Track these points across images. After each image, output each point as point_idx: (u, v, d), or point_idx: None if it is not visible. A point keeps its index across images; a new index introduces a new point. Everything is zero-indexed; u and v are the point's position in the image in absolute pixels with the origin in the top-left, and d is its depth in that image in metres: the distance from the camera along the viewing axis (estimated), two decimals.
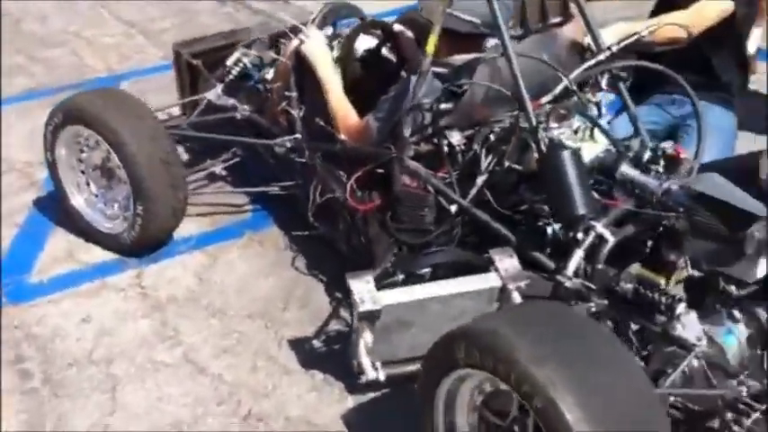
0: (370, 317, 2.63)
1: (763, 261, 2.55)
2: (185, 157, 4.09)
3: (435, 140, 3.00)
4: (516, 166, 2.83)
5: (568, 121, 2.85)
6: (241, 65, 3.84)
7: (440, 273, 2.84)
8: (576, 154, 2.68)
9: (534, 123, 2.75)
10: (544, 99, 2.88)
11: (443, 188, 2.91)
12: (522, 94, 2.76)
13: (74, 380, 2.95)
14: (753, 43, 4.42)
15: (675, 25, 3.19)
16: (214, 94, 3.86)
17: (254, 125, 3.79)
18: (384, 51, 3.63)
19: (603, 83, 3.08)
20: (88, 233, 3.67)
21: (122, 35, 6.17)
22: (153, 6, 6.71)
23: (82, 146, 3.57)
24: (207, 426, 2.76)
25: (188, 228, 3.76)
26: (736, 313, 2.61)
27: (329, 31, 3.63)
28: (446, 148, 2.99)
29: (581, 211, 2.63)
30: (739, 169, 2.93)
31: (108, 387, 2.91)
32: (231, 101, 3.85)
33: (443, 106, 2.93)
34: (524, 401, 2.04)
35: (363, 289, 2.66)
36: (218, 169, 3.97)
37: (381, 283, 2.72)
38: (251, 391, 2.89)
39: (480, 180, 2.91)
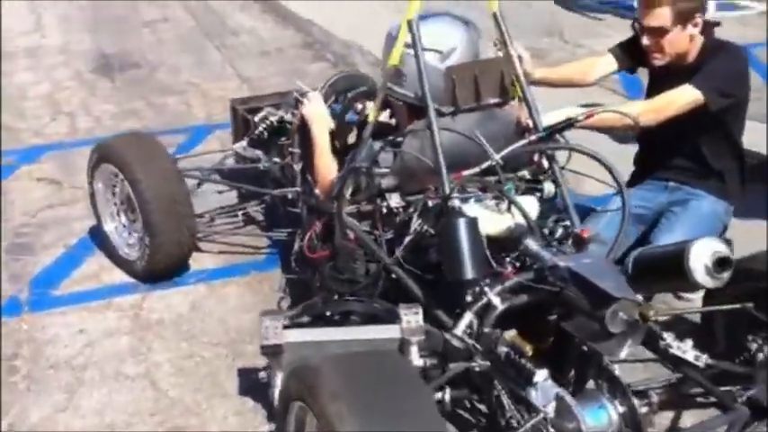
0: (273, 352, 2.93)
1: (629, 341, 2.67)
2: (226, 199, 4.51)
3: (378, 201, 3.28)
4: (431, 230, 3.06)
5: (481, 193, 3.08)
6: (267, 122, 4.26)
7: (354, 320, 3.11)
8: (473, 223, 2.88)
9: (446, 192, 2.98)
10: (466, 172, 3.10)
11: (370, 245, 3.19)
12: (440, 164, 3.01)
13: (48, 380, 3.41)
14: None
15: (619, 113, 3.33)
16: (240, 146, 4.31)
17: (274, 177, 4.19)
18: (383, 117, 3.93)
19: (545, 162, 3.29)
20: (113, 257, 4.17)
21: (234, 89, 6.76)
22: (273, 66, 7.33)
23: (114, 181, 4.07)
24: None
25: (205, 262, 4.22)
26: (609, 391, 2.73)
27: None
28: (384, 209, 3.27)
29: (469, 275, 2.83)
30: (666, 258, 3.06)
31: (71, 389, 3.34)
32: (257, 152, 4.28)
33: (377, 170, 3.23)
34: None
35: (271, 326, 2.97)
36: (240, 214, 4.37)
37: (291, 323, 3.03)
38: (185, 408, 3.23)
39: (407, 240, 3.15)
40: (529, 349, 2.68)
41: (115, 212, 4.16)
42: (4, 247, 4.43)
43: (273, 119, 4.25)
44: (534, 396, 2.60)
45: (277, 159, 4.10)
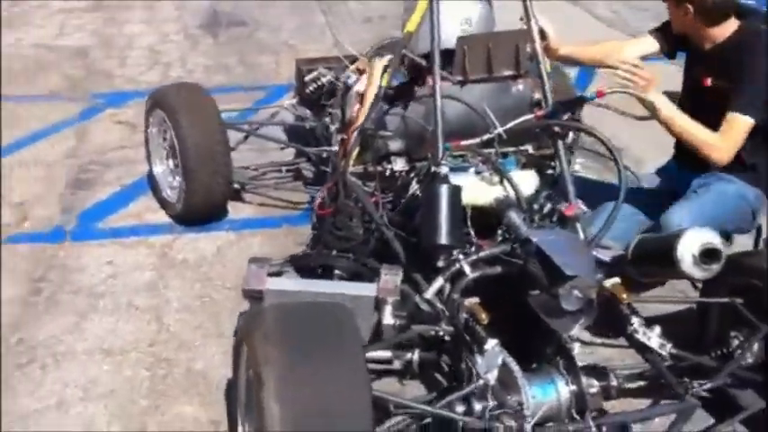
0: (254, 297, 3.04)
1: (583, 320, 2.66)
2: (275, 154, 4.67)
3: (384, 164, 3.35)
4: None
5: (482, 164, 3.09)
6: (318, 83, 4.36)
7: (337, 275, 3.19)
8: (455, 191, 2.91)
9: (438, 159, 3.01)
10: (465, 141, 3.12)
11: (367, 205, 3.25)
12: (437, 130, 3.04)
13: (65, 303, 3.64)
14: None
15: (636, 96, 3.24)
16: (289, 103, 4.44)
17: (317, 136, 4.31)
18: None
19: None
20: (158, 198, 4.38)
21: (326, 52, 6.86)
22: (370, 33, 7.41)
23: (165, 126, 4.27)
24: (129, 359, 3.30)
25: (244, 211, 4.39)
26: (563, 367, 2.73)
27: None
28: (388, 172, 3.33)
29: (443, 240, 2.87)
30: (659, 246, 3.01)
31: (83, 314, 3.56)
32: (306, 111, 4.41)
33: (383, 133, 3.29)
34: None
35: (255, 272, 3.08)
36: (283, 169, 4.50)
37: (276, 271, 3.14)
38: (180, 342, 3.40)
39: (402, 203, 3.21)
40: (485, 318, 2.69)
41: (164, 156, 4.35)
42: (67, 181, 4.68)
43: (325, 80, 4.34)
44: (479, 362, 2.62)
45: (313, 118, 4.20)
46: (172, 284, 3.78)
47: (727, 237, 3.42)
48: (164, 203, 4.34)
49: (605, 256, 3.23)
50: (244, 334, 2.46)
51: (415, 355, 2.91)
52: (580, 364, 2.72)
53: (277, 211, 4.42)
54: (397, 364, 2.98)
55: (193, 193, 4.05)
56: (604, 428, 2.54)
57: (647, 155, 4.62)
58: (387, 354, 3.00)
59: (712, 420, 2.89)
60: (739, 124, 3.36)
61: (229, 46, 7.15)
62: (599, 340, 3.16)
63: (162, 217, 4.32)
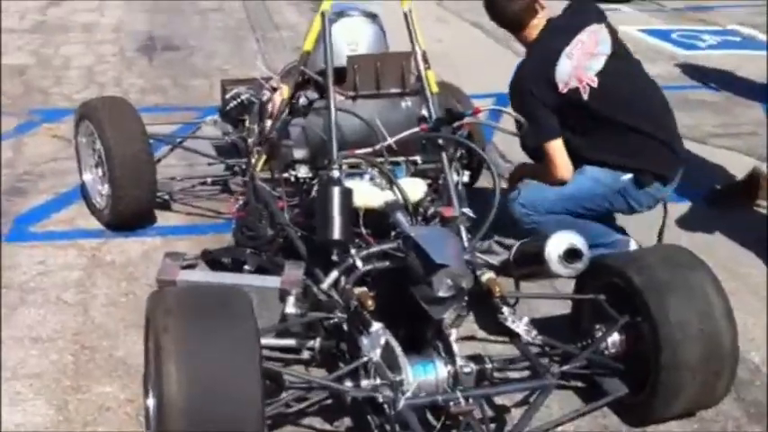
0: (167, 285, 3.37)
1: (454, 306, 3.04)
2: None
3: (289, 171, 3.72)
4: None
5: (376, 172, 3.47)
6: (238, 100, 4.73)
7: (245, 269, 3.55)
8: (346, 192, 3.29)
9: (334, 164, 3.38)
10: (359, 150, 3.51)
11: (273, 207, 3.62)
12: (331, 138, 3.42)
13: None
14: None
15: (507, 113, 3.69)
16: (211, 119, 4.80)
17: (239, 149, 4.68)
18: None
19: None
20: (88, 205, 4.70)
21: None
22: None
23: (94, 137, 4.58)
24: (56, 346, 3.60)
25: (172, 220, 4.71)
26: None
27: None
28: (293, 179, 3.70)
29: (335, 236, 3.24)
30: (532, 248, 3.42)
31: (13, 306, 3.83)
32: (228, 126, 4.77)
33: (287, 142, 3.67)
34: None
35: (169, 264, 3.43)
36: (209, 180, 4.84)
37: (189, 265, 3.48)
38: (104, 332, 3.70)
39: (304, 206, 3.58)
40: (371, 304, 3.04)
41: (93, 165, 4.66)
42: (3, 189, 4.97)
43: (243, 97, 4.71)
44: (365, 343, 2.97)
45: (233, 133, 4.57)
46: (99, 282, 4.09)
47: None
48: (93, 210, 4.65)
49: (494, 259, 3.65)
50: (149, 311, 2.78)
51: (316, 343, 3.26)
52: (458, 349, 3.07)
53: (205, 220, 4.74)
54: (305, 354, 3.33)
55: (119, 201, 4.37)
56: (471, 400, 2.89)
57: None
58: (291, 342, 3.36)
59: (581, 404, 3.29)
60: (547, 151, 3.90)
61: (163, 69, 7.48)
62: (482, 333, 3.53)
63: (93, 223, 4.63)
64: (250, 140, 4.35)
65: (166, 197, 4.78)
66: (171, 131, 5.17)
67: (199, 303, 2.78)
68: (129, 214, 4.47)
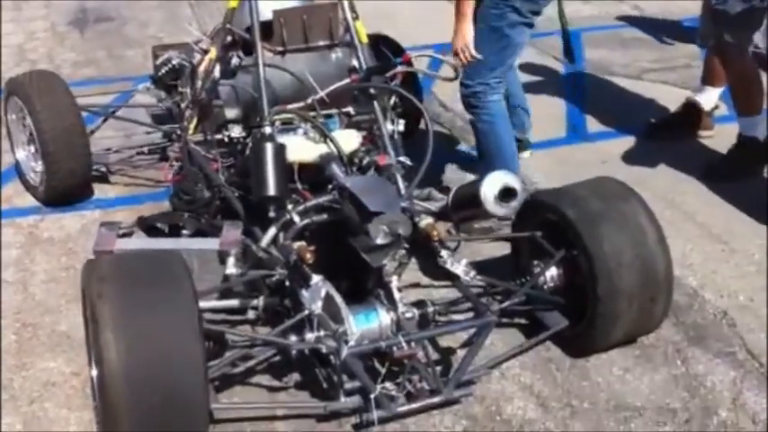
0: (105, 255, 3.34)
1: (392, 252, 3.04)
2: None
3: (223, 131, 3.69)
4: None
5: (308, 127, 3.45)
6: (170, 65, 4.66)
7: (183, 233, 3.52)
8: (279, 148, 3.27)
9: (266, 121, 3.35)
10: (291, 105, 3.48)
11: (206, 169, 3.59)
12: (261, 95, 3.39)
13: None
14: (708, 101, 4.75)
15: (437, 58, 3.68)
16: (143, 86, 4.73)
17: (173, 115, 4.61)
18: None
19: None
20: (23, 183, 4.62)
21: None
22: None
23: (24, 113, 4.50)
24: None
25: (110, 192, 4.66)
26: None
27: None
28: (227, 139, 3.67)
29: (270, 192, 3.22)
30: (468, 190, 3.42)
31: None
32: (162, 93, 4.70)
33: (217, 102, 3.63)
34: None
35: (105, 233, 3.39)
36: (146, 149, 4.77)
37: (125, 233, 3.45)
38: (46, 308, 3.67)
39: (238, 165, 3.56)
40: (310, 257, 3.03)
41: (25, 142, 4.59)
42: None
43: (175, 62, 4.64)
44: (306, 296, 2.98)
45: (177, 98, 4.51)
46: (38, 259, 4.04)
47: None
48: (29, 187, 4.58)
49: (432, 206, 3.66)
50: (84, 280, 2.76)
51: (260, 302, 3.26)
52: (399, 297, 3.08)
53: (143, 190, 4.68)
54: (251, 314, 3.33)
55: (54, 176, 4.31)
56: (413, 343, 2.91)
57: None
58: (235, 302, 3.35)
59: (524, 340, 3.33)
60: None
61: (96, 41, 7.34)
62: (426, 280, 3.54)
63: (30, 201, 4.56)
64: (183, 104, 4.29)
65: (103, 169, 4.71)
66: (106, 103, 5.05)
67: (133, 269, 2.77)
68: (65, 189, 4.41)
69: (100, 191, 4.65)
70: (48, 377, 3.26)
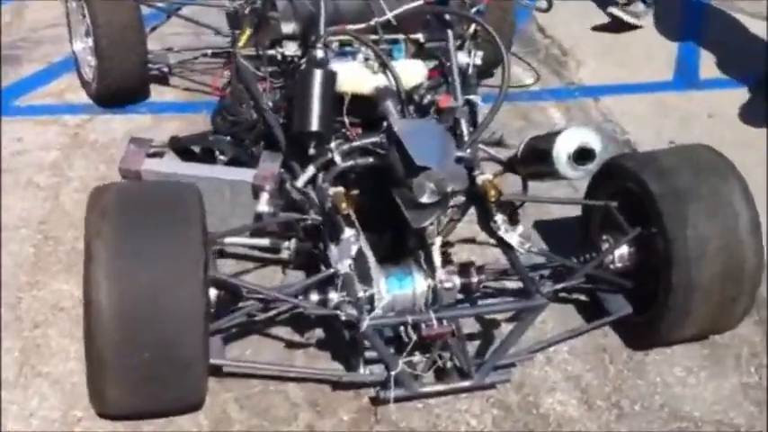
0: (129, 176, 3.06)
1: (436, 213, 2.65)
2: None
3: (277, 47, 3.30)
4: None
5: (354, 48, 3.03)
6: None
7: (218, 159, 3.19)
8: (329, 76, 2.86)
9: (319, 42, 2.94)
10: (351, 26, 3.06)
11: (253, 89, 3.22)
12: (320, 11, 2.98)
13: None
14: None
15: None
16: None
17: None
18: None
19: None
20: (79, 77, 4.35)
21: None
22: None
23: (82, 2, 4.17)
24: (18, 236, 3.34)
25: (166, 95, 4.36)
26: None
27: None
28: (280, 57, 3.28)
29: (314, 127, 2.84)
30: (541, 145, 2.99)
31: None
32: None
33: (272, 14, 3.23)
34: None
35: (133, 151, 3.10)
36: (210, 53, 4.41)
37: (156, 153, 3.14)
38: (71, 222, 3.40)
39: (287, 89, 3.18)
40: (345, 207, 2.65)
41: (83, 34, 4.29)
42: None
43: None
44: (334, 251, 2.62)
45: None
46: (76, 165, 3.79)
47: None
48: (83, 83, 4.31)
49: (502, 154, 3.22)
50: (87, 211, 2.46)
51: (292, 244, 2.93)
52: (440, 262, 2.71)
53: (202, 97, 4.35)
54: (284, 254, 3.02)
55: (107, 73, 4.02)
56: (445, 322, 2.54)
57: None
58: (265, 241, 3.04)
59: (581, 323, 2.93)
60: None
61: None
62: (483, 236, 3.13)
63: (82, 97, 4.30)
64: (246, 10, 3.90)
65: (165, 69, 4.38)
66: None
67: (139, 204, 2.48)
68: (118, 88, 4.11)
69: (156, 93, 4.34)
70: (57, 300, 3.04)
